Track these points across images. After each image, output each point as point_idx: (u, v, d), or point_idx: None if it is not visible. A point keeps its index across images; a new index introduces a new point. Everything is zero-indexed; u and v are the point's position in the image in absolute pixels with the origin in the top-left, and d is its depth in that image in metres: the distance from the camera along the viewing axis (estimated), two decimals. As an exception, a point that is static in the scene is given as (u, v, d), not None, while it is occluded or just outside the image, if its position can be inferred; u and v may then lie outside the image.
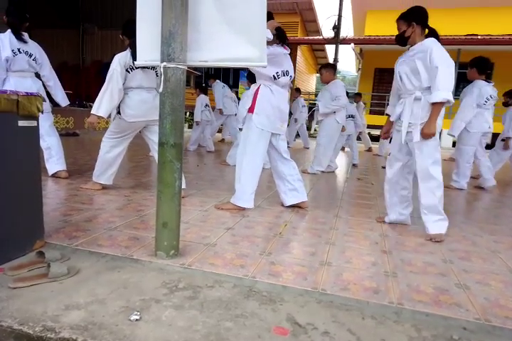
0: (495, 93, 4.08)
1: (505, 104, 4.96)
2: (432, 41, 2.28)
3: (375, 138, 10.74)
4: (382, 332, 1.30)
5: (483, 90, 3.93)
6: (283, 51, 2.65)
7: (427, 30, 2.36)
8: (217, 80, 6.97)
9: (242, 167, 2.72)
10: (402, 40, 2.40)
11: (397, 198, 2.58)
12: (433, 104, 2.24)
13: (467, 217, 2.79)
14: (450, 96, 2.18)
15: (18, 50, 3.03)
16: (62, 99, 3.52)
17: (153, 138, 3.06)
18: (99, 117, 2.82)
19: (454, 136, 4.05)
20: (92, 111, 2.81)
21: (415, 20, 2.30)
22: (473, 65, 3.98)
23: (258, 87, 2.67)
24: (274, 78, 2.64)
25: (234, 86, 7.49)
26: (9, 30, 3.01)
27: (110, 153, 3.03)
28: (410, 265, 1.91)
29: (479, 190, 4.33)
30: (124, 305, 1.36)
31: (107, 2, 9.22)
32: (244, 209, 2.75)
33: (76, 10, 9.98)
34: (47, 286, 1.47)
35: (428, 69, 2.24)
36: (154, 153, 3.11)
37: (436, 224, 2.37)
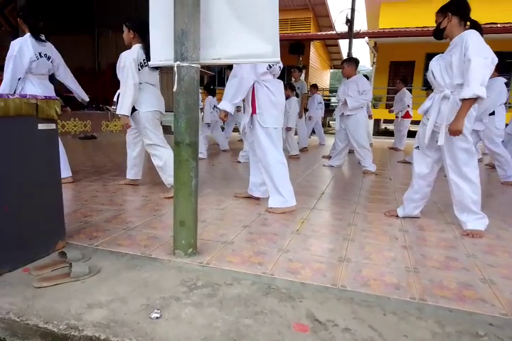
0: None
1: None
2: (470, 32, 2.11)
3: (390, 133, 10.55)
4: (404, 328, 1.28)
5: None
6: None
7: (468, 24, 2.19)
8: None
9: (270, 169, 2.64)
10: (438, 33, 2.26)
11: (420, 195, 2.51)
12: (463, 100, 2.08)
13: (491, 210, 2.70)
14: (482, 92, 1.98)
15: (40, 54, 3.08)
16: (84, 95, 3.53)
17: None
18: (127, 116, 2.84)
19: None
20: (121, 113, 2.82)
21: (451, 10, 2.17)
22: None
23: (253, 87, 2.59)
24: (270, 67, 2.58)
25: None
26: (28, 34, 3.05)
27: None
28: (432, 260, 1.86)
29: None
30: (144, 303, 1.38)
31: (120, 5, 9.36)
32: (295, 209, 2.70)
33: (90, 14, 10.17)
34: (70, 285, 1.50)
35: (462, 63, 2.07)
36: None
37: (475, 222, 2.30)
